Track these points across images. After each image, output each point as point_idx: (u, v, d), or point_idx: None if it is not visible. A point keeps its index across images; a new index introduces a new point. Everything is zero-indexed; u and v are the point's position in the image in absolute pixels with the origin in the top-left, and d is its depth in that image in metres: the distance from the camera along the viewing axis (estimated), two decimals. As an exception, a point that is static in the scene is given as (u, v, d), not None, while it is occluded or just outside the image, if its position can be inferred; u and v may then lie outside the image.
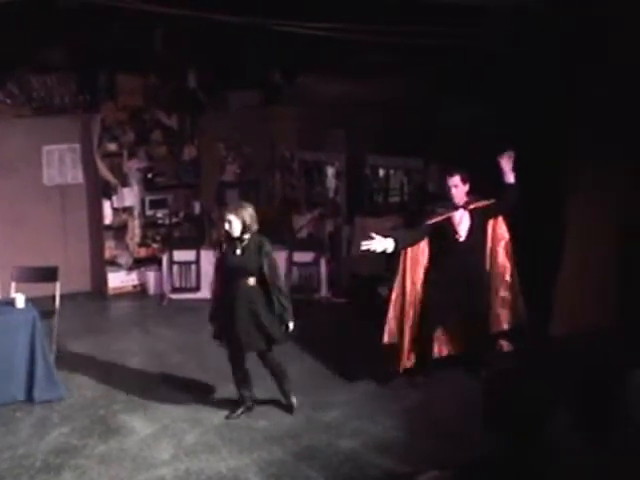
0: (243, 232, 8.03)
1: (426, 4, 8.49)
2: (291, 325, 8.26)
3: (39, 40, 11.24)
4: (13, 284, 10.27)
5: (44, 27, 10.39)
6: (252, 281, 8.07)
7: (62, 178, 12.85)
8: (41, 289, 10.02)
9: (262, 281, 8.09)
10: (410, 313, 8.85)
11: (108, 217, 12.97)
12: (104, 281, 12.96)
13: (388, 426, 8.07)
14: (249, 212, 8.05)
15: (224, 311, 8.22)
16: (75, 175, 12.93)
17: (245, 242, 8.07)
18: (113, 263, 13.02)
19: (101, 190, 12.93)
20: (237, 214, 8.00)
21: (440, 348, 9.22)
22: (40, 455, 7.60)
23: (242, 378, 8.42)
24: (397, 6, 8.43)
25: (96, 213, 12.95)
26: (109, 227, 13.03)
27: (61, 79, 12.43)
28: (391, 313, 8.89)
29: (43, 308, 9.43)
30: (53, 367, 9.02)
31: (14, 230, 12.42)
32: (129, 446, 7.82)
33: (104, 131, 12.75)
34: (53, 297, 10.10)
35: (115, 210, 13.02)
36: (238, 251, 8.09)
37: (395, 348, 8.90)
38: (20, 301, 9.05)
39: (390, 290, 9.03)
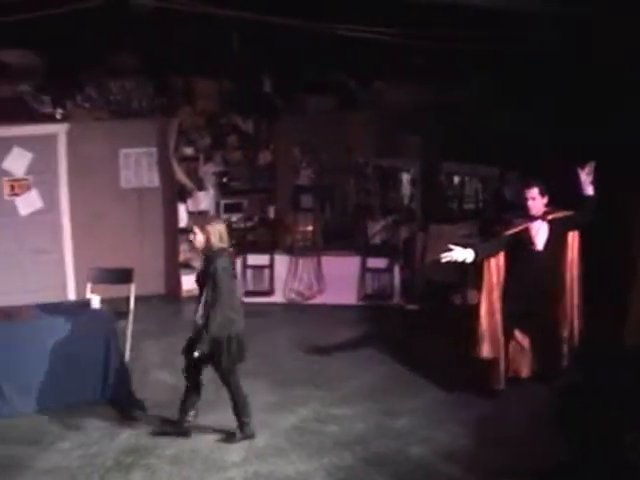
0: (206, 248, 7.85)
1: (494, 12, 8.42)
2: (196, 353, 7.79)
3: (118, 44, 11.40)
4: (89, 285, 10.40)
5: (122, 31, 10.51)
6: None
7: (138, 181, 13.02)
8: (116, 290, 10.10)
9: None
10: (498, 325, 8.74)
11: (183, 220, 13.08)
12: (178, 284, 13.07)
13: (457, 434, 7.99)
14: (217, 229, 7.82)
15: None
16: (151, 178, 13.08)
17: (206, 256, 7.93)
18: (187, 266, 13.12)
19: (177, 193, 13.05)
20: (202, 228, 7.82)
21: (517, 368, 9.06)
22: (111, 454, 7.66)
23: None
24: (469, 13, 8.37)
25: (171, 216, 13.08)
26: (184, 230, 13.12)
27: (139, 83, 12.59)
28: (484, 326, 8.75)
29: (118, 309, 9.53)
30: (127, 368, 9.10)
31: (91, 232, 12.62)
32: (200, 447, 7.84)
33: (181, 135, 12.88)
34: (128, 299, 10.17)
35: (190, 213, 13.12)
36: (202, 265, 8.03)
37: (490, 362, 8.79)
38: (95, 302, 9.15)
39: (478, 303, 8.91)
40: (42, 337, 8.62)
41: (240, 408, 8.06)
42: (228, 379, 8.03)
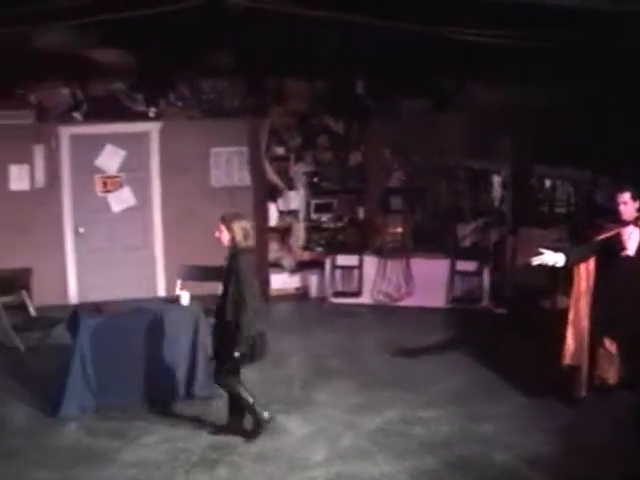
0: (232, 245, 7.85)
1: (585, 12, 8.26)
2: (236, 354, 7.73)
3: (210, 44, 11.50)
4: (179, 282, 10.52)
5: (215, 31, 10.59)
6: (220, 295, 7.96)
7: (229, 180, 13.14)
8: (205, 288, 10.17)
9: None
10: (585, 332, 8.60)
11: (273, 219, 13.16)
12: (267, 282, 13.15)
13: (541, 441, 7.86)
14: (242, 227, 7.83)
15: None
16: (242, 177, 13.18)
17: (230, 253, 7.91)
18: (276, 265, 13.20)
19: (267, 193, 13.13)
20: (228, 226, 7.82)
21: (605, 375, 8.89)
22: (197, 449, 7.73)
23: None
24: (561, 14, 8.23)
25: (262, 215, 13.15)
26: (274, 229, 13.22)
27: (231, 83, 12.70)
28: (570, 333, 8.62)
29: (207, 306, 9.58)
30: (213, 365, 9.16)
31: (181, 229, 12.78)
32: (284, 446, 7.85)
33: (272, 135, 12.95)
34: (217, 296, 10.24)
35: (281, 213, 13.21)
36: (227, 262, 7.97)
37: (574, 369, 8.66)
38: (185, 299, 9.22)
39: (567, 308, 8.78)
40: (131, 332, 8.74)
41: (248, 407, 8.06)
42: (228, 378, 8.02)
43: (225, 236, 7.82)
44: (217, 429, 8.15)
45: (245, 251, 7.80)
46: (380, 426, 8.23)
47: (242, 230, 7.78)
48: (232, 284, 7.67)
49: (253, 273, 7.88)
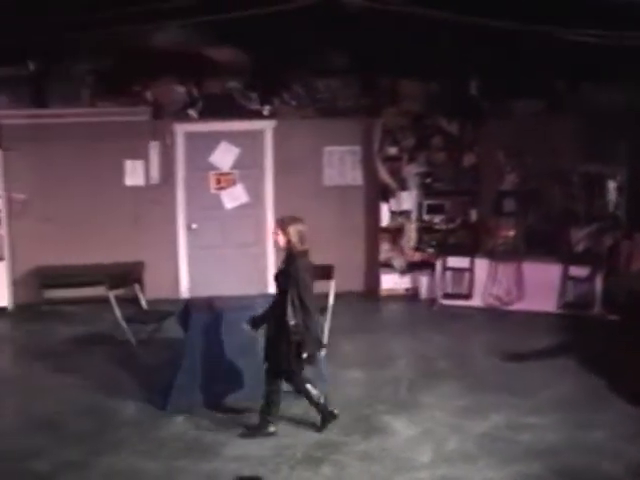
0: (288, 248, 7.85)
1: None
2: (304, 355, 7.75)
3: (325, 43, 11.54)
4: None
5: (330, 31, 10.63)
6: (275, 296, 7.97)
7: (341, 179, 13.16)
8: (316, 286, 10.18)
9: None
10: None
11: (385, 219, 13.13)
12: (377, 282, 13.14)
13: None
14: (298, 230, 7.84)
15: None
16: (354, 177, 13.20)
17: (287, 256, 7.91)
18: (387, 265, 13.17)
19: (380, 193, 13.11)
20: (284, 229, 7.84)
21: None
22: (302, 447, 7.76)
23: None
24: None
25: (373, 215, 13.15)
26: (385, 229, 13.19)
27: (345, 82, 12.72)
28: None
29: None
30: (321, 362, 9.17)
31: (292, 228, 12.84)
32: (390, 446, 7.82)
33: (385, 135, 12.92)
34: (327, 294, 10.28)
35: (392, 213, 13.17)
36: (283, 265, 7.96)
37: None
38: (295, 297, 9.28)
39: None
40: (241, 328, 8.80)
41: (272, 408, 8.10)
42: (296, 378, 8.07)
43: (281, 239, 7.87)
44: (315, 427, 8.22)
45: (302, 254, 7.83)
46: (486, 430, 8.14)
47: (298, 233, 7.83)
48: (292, 287, 7.66)
49: (311, 275, 7.86)
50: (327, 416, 8.12)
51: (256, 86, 12.61)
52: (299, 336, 7.67)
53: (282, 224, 7.88)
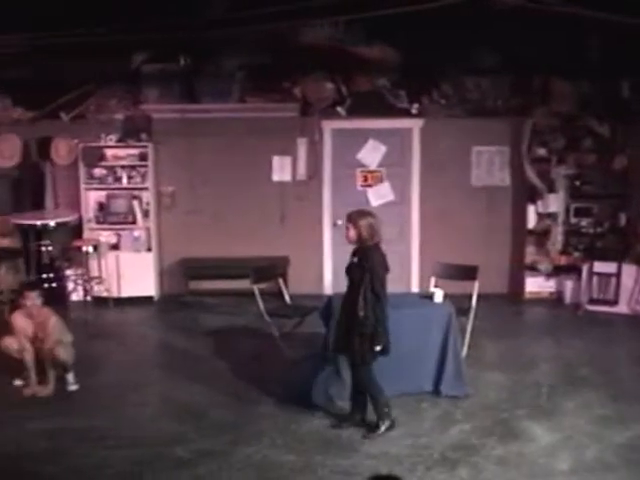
0: (359, 242, 7.82)
1: None
2: (378, 347, 7.80)
3: (474, 42, 11.44)
4: (433, 279, 10.54)
5: (479, 29, 10.53)
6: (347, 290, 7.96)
7: (489, 179, 13.01)
8: (459, 286, 10.13)
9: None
10: None
11: (531, 221, 12.93)
12: (521, 285, 12.96)
13: None
14: (368, 223, 7.82)
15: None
16: (502, 177, 13.03)
17: (359, 251, 7.87)
18: (532, 268, 12.97)
19: (527, 194, 12.91)
20: (354, 223, 7.82)
21: None
22: (439, 448, 7.73)
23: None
24: None
25: (520, 217, 12.97)
26: (531, 232, 12.98)
27: (495, 82, 12.56)
28: None
29: (459, 305, 9.55)
30: (462, 364, 9.13)
31: (439, 226, 12.83)
32: (528, 452, 7.71)
33: (534, 135, 12.71)
34: (470, 295, 10.20)
35: (539, 215, 12.95)
36: (355, 259, 7.89)
37: None
38: (438, 296, 9.25)
39: None
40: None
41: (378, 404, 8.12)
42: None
43: (352, 233, 7.88)
44: (339, 421, 8.29)
45: (374, 247, 7.84)
46: (628, 441, 7.92)
47: (369, 227, 7.84)
48: (365, 280, 7.68)
49: (384, 269, 7.85)
50: (381, 425, 8.07)
51: (405, 84, 12.58)
52: (369, 329, 7.71)
53: (353, 218, 7.90)
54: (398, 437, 7.97)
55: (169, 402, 9.10)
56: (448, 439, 7.94)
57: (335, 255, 13.05)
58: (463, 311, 9.86)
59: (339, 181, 13.05)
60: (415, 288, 12.95)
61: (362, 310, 7.69)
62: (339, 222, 12.89)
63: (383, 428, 8.05)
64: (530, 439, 7.98)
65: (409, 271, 13.15)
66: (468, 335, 10.03)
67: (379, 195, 13.06)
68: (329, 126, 12.89)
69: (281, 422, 8.40)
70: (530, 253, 13.02)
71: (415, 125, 12.84)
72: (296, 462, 7.53)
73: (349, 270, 7.99)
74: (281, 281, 11.07)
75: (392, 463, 7.44)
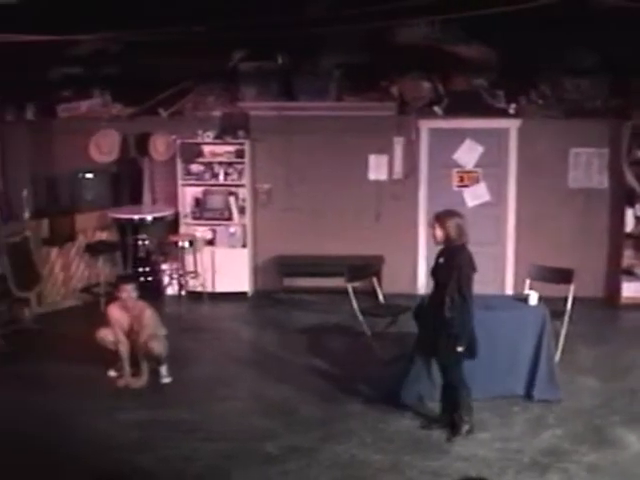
0: (446, 242, 7.77)
1: None
2: (460, 348, 7.74)
3: (573, 42, 11.26)
4: (527, 281, 10.42)
5: (578, 29, 10.37)
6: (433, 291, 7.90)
7: (587, 181, 12.80)
8: (554, 289, 9.99)
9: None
10: None
11: (629, 225, 12.66)
12: (618, 289, 12.71)
13: None
14: (456, 222, 7.81)
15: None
16: (600, 180, 12.79)
17: (446, 250, 7.83)
18: (629, 272, 12.71)
19: (625, 197, 12.67)
20: (442, 224, 7.78)
21: None
22: (529, 452, 7.64)
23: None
24: None
25: (617, 220, 12.71)
26: (629, 235, 12.72)
27: (593, 82, 12.33)
28: None
29: (553, 308, 9.42)
30: (555, 368, 9.00)
31: (534, 229, 12.66)
32: (621, 460, 7.57)
33: (634, 138, 12.46)
34: (565, 299, 10.03)
35: (637, 219, 12.68)
36: (440, 260, 7.85)
37: None
38: (533, 298, 9.13)
39: None
40: (480, 328, 8.71)
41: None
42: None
43: (439, 233, 7.87)
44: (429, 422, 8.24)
45: (461, 247, 7.84)
46: None
47: (456, 227, 7.82)
48: (453, 280, 7.65)
49: (471, 269, 7.84)
50: (461, 428, 8.02)
51: (502, 84, 12.45)
52: (456, 329, 7.67)
53: (440, 218, 7.88)
54: (488, 440, 7.91)
55: (259, 398, 9.17)
56: (539, 444, 7.85)
57: (429, 255, 12.89)
58: (557, 314, 9.70)
59: (435, 181, 12.98)
60: (509, 290, 12.81)
61: (449, 311, 7.66)
62: (434, 222, 12.83)
63: (464, 430, 8.00)
64: (624, 447, 7.84)
65: (503, 273, 13.01)
66: (562, 339, 9.87)
67: (475, 196, 12.96)
68: (426, 125, 12.83)
69: (370, 421, 8.41)
70: (627, 257, 12.76)
71: (512, 125, 12.69)
72: (384, 462, 7.54)
73: (435, 271, 7.98)
74: (375, 280, 11.06)
75: (481, 466, 7.39)
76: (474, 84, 12.48)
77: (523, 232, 12.84)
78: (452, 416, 8.13)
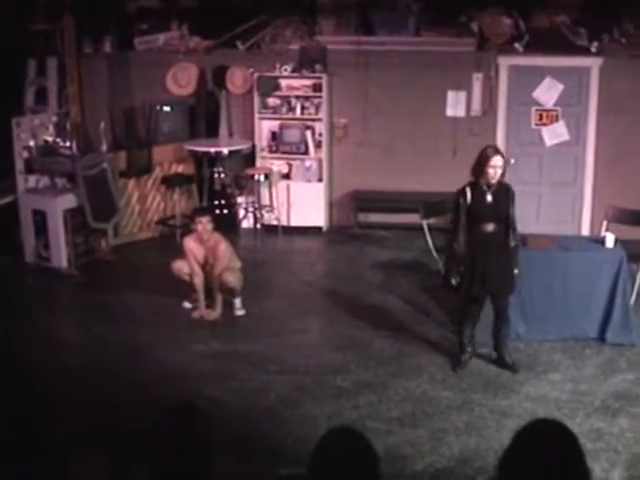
0: (502, 177, 7.79)
1: None
2: (516, 271, 7.91)
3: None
4: (604, 223, 10.29)
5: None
6: (493, 226, 7.80)
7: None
8: (631, 232, 9.86)
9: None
10: None
11: None
12: None
13: None
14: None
15: (468, 260, 7.82)
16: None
17: (494, 188, 7.71)
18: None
19: None
20: (503, 158, 7.76)
21: None
22: (600, 395, 7.61)
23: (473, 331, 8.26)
24: None
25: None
26: None
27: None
28: None
29: (631, 252, 9.28)
30: (630, 312, 8.89)
31: (613, 170, 12.43)
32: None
33: None
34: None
35: None
36: (489, 197, 7.71)
37: None
38: (609, 241, 9.01)
39: None
40: (553, 268, 8.68)
41: None
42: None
43: (499, 172, 7.80)
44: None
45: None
46: None
47: (505, 163, 7.88)
48: (510, 212, 7.90)
49: None
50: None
51: (585, 21, 12.18)
52: (517, 256, 7.92)
53: (502, 155, 7.83)
54: (559, 382, 7.90)
55: (332, 332, 9.25)
56: (610, 387, 7.81)
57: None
58: (634, 258, 9.54)
59: (513, 119, 12.79)
60: (586, 232, 12.64)
61: (514, 240, 7.85)
62: (512, 161, 12.67)
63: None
64: None
65: (580, 214, 12.83)
66: (638, 282, 9.70)
67: (554, 134, 12.76)
68: (505, 62, 12.62)
69: (442, 358, 8.43)
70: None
71: (594, 64, 12.40)
72: (454, 399, 7.58)
73: (486, 209, 7.80)
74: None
75: (551, 407, 7.39)
76: (556, 21, 12.24)
77: (602, 173, 12.61)
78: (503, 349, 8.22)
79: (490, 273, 7.84)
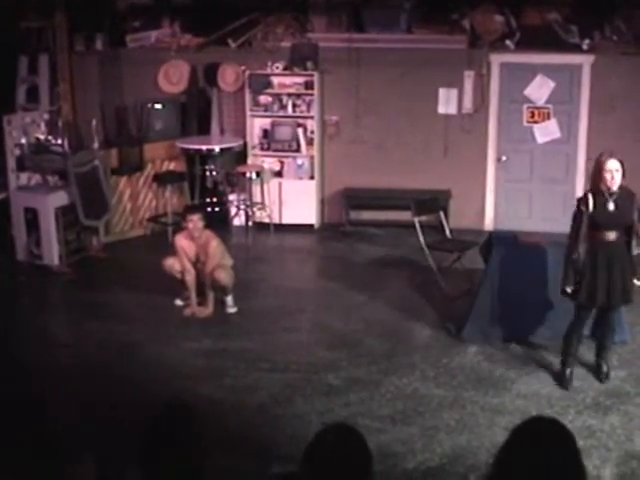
0: (620, 186, 7.43)
1: None
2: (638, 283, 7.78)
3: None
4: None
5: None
6: (615, 235, 7.49)
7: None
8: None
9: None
10: None
11: None
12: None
13: None
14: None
15: (587, 270, 7.55)
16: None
17: (616, 195, 7.40)
18: None
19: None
20: (620, 161, 7.38)
21: None
22: (592, 393, 7.64)
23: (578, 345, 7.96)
24: None
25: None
26: None
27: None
28: None
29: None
30: (623, 310, 8.84)
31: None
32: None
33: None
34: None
35: None
36: (611, 205, 7.41)
37: None
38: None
39: None
40: (543, 266, 8.65)
41: None
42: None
43: (619, 177, 7.42)
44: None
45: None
46: None
47: None
48: (636, 220, 7.57)
49: None
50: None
51: (577, 19, 12.19)
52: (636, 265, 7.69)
53: (619, 160, 7.44)
54: (551, 379, 7.90)
55: (323, 330, 9.26)
56: (601, 385, 7.82)
57: (497, 191, 12.87)
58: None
59: (505, 116, 12.80)
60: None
61: (637, 248, 7.66)
62: (503, 158, 12.70)
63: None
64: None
65: (571, 211, 12.82)
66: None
67: (546, 132, 12.77)
68: (497, 60, 12.62)
69: (433, 355, 8.46)
70: None
71: (586, 61, 12.41)
72: (446, 396, 7.59)
73: (608, 218, 7.49)
74: (442, 215, 11.03)
75: (542, 404, 7.41)
76: (548, 18, 12.25)
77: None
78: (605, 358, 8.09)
79: (615, 284, 7.61)
